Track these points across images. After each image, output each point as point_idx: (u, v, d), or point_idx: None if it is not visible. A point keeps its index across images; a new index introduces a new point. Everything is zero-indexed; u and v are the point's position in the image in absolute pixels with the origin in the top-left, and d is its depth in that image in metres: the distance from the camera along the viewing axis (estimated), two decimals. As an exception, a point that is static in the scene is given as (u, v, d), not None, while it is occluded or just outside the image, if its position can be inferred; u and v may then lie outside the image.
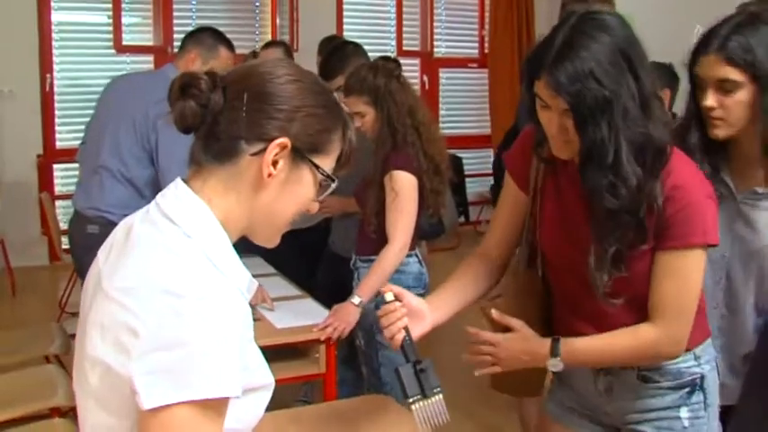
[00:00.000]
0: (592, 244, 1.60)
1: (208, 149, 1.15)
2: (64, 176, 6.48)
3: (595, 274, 1.61)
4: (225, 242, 1.13)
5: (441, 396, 1.63)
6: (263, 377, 1.17)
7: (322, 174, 1.19)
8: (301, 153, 1.16)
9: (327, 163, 1.20)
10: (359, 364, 3.08)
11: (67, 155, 5.78)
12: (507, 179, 1.85)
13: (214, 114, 1.13)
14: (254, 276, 1.20)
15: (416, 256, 2.92)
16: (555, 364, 1.70)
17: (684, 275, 1.61)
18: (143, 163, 2.98)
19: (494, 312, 1.74)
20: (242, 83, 1.15)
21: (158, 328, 1.01)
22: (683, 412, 1.74)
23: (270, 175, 1.14)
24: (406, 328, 1.67)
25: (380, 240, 2.80)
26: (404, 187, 2.73)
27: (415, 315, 1.72)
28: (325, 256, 3.53)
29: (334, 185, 1.22)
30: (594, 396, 1.77)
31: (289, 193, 1.17)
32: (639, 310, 1.66)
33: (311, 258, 3.58)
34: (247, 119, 1.12)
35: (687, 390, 1.74)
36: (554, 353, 1.69)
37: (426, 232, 3.07)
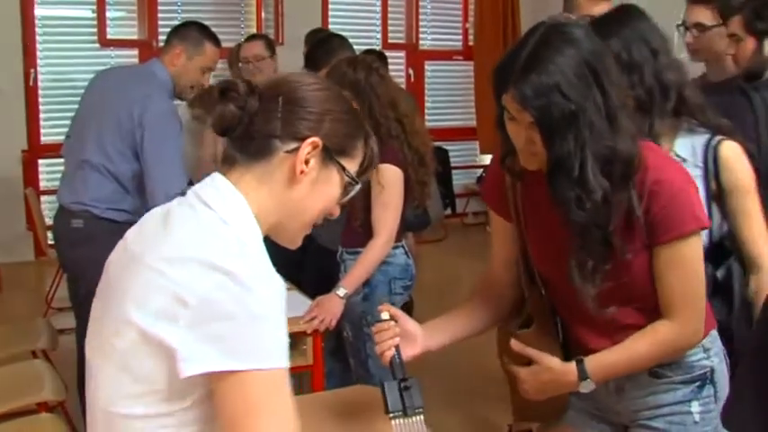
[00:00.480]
0: (569, 258, 1.61)
1: (243, 148, 1.24)
2: (49, 172, 6.44)
3: (581, 288, 1.62)
4: (257, 232, 1.21)
5: (422, 417, 1.64)
6: None
7: (348, 176, 1.28)
8: (330, 153, 1.25)
9: (352, 167, 1.29)
10: (346, 355, 3.09)
11: (52, 150, 5.75)
12: (490, 213, 1.87)
13: (250, 116, 1.22)
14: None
15: (403, 247, 2.93)
16: (586, 386, 1.70)
17: (687, 264, 1.63)
18: (127, 158, 2.97)
19: (513, 344, 1.74)
20: (275, 89, 1.25)
21: (210, 301, 1.08)
22: (695, 406, 1.74)
23: (302, 172, 1.22)
24: (397, 347, 1.70)
25: (367, 233, 2.81)
26: (390, 180, 2.74)
27: (408, 337, 1.74)
28: (311, 249, 3.49)
29: (357, 188, 1.31)
30: (605, 396, 1.77)
31: (318, 191, 1.25)
32: (647, 310, 1.68)
33: (297, 251, 3.55)
34: (282, 119, 1.21)
35: (698, 384, 1.74)
36: (583, 376, 1.69)
37: (412, 223, 3.09)
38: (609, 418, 1.86)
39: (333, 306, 2.80)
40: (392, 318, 1.73)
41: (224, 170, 1.27)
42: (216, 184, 1.23)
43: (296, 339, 2.82)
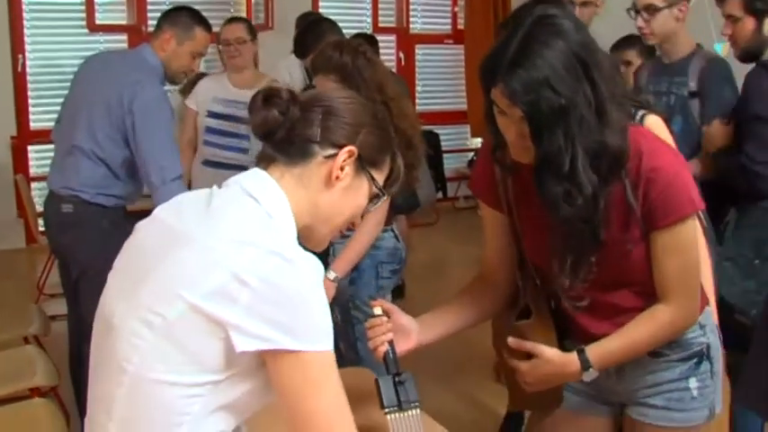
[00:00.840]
0: (550, 253, 1.62)
1: (283, 150, 1.32)
2: (39, 158, 6.42)
3: (559, 279, 1.64)
4: (294, 230, 1.28)
5: (418, 411, 1.66)
6: None
7: (376, 186, 1.38)
8: (363, 163, 1.34)
9: (380, 179, 1.39)
10: (336, 339, 3.09)
11: (42, 136, 5.72)
12: (481, 205, 1.86)
13: (292, 122, 1.31)
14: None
15: (392, 231, 2.93)
16: (589, 375, 1.71)
17: (685, 248, 1.64)
18: (117, 144, 2.97)
19: (511, 341, 1.74)
20: (314, 101, 1.35)
21: (270, 283, 1.15)
22: (692, 382, 1.77)
23: (337, 177, 1.31)
24: (391, 342, 1.69)
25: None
26: (377, 163, 2.73)
27: (402, 332, 1.74)
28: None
29: (383, 199, 1.41)
30: (604, 378, 1.77)
31: (348, 198, 1.34)
32: (645, 294, 1.69)
33: None
34: (322, 127, 1.31)
35: (695, 360, 1.77)
36: (585, 366, 1.70)
37: (401, 207, 3.08)
38: (607, 398, 1.88)
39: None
40: (385, 312, 1.73)
41: (262, 167, 1.35)
42: (260, 179, 1.30)
43: None
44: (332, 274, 2.79)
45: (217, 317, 1.16)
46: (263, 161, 1.36)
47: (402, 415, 1.65)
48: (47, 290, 5.03)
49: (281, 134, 1.32)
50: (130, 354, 1.21)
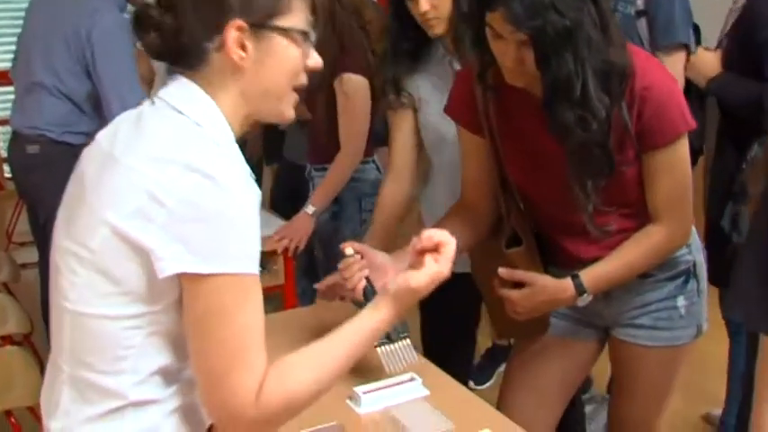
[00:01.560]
0: (570, 182, 1.60)
1: (182, 63, 1.21)
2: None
3: (583, 210, 1.63)
4: (230, 134, 1.20)
5: (408, 341, 1.66)
6: None
7: (293, 32, 1.21)
8: (261, 24, 1.18)
9: (296, 20, 1.21)
10: (319, 274, 3.08)
11: (1, 78, 5.57)
12: (459, 129, 1.84)
13: (172, 33, 1.19)
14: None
15: (374, 162, 2.90)
16: (584, 300, 1.72)
17: (677, 167, 1.64)
18: (79, 77, 2.87)
19: (501, 271, 1.73)
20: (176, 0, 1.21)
21: (188, 202, 1.09)
22: (680, 301, 1.79)
23: (242, 58, 1.18)
24: (368, 278, 1.69)
25: (334, 147, 2.76)
26: (355, 90, 2.67)
27: (378, 269, 1.72)
28: (281, 165, 3.49)
29: (313, 37, 1.24)
30: (592, 302, 1.78)
31: (270, 66, 1.20)
32: (636, 215, 1.69)
33: (257, 170, 3.47)
34: (197, 19, 1.18)
35: (682, 279, 1.79)
36: (580, 291, 1.70)
37: (381, 137, 3.04)
38: (593, 321, 1.89)
39: (302, 225, 2.78)
40: (357, 253, 1.72)
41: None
42: (182, 88, 1.21)
43: (266, 259, 2.84)
44: (310, 209, 2.78)
45: (136, 240, 1.11)
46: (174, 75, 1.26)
47: (393, 347, 1.65)
48: (16, 238, 4.97)
49: (168, 50, 1.21)
50: (68, 290, 1.19)
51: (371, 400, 1.66)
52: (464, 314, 2.43)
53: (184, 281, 1.11)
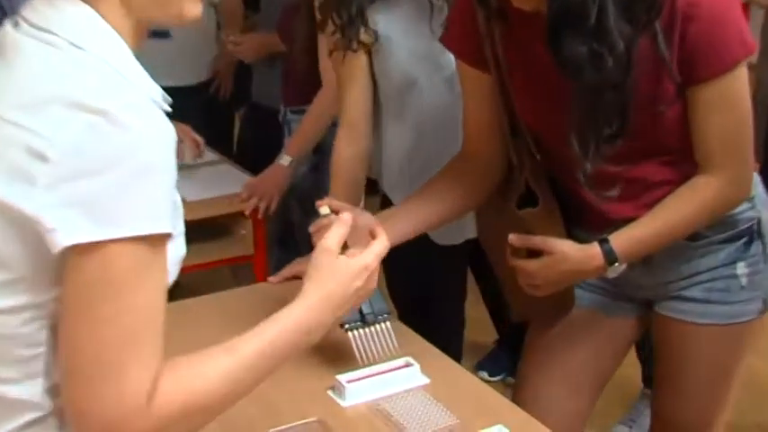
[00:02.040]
0: (571, 131, 1.60)
1: None
2: None
3: (579, 168, 1.61)
4: (125, 51, 1.14)
5: (389, 324, 1.67)
6: (181, 217, 1.20)
7: None
8: None
9: None
10: (297, 242, 3.10)
11: None
12: (458, 65, 1.85)
13: None
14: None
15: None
16: (615, 271, 1.70)
17: (734, 102, 1.62)
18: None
19: (512, 238, 1.73)
20: None
21: (76, 151, 1.03)
22: (741, 268, 1.78)
23: None
24: (345, 245, 1.67)
25: (313, 85, 2.78)
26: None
27: (360, 234, 1.67)
28: (247, 110, 3.52)
29: None
30: (627, 270, 1.76)
31: None
32: (680, 162, 1.68)
33: (223, 116, 3.62)
34: None
35: (744, 240, 1.77)
36: (610, 260, 1.68)
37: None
38: (630, 294, 1.88)
39: (275, 179, 2.81)
40: (335, 212, 1.72)
41: None
42: (52, 3, 1.13)
43: (231, 224, 2.89)
44: (285, 159, 2.80)
45: (18, 210, 1.05)
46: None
47: (367, 331, 1.67)
48: None
49: None
50: None
51: (358, 390, 1.64)
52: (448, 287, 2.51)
53: (73, 253, 1.04)
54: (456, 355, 1.99)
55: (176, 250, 1.17)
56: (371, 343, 1.67)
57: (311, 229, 1.75)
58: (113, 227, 1.03)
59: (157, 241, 1.07)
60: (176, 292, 1.26)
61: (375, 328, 1.67)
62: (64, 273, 1.06)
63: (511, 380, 3.03)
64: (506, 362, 3.22)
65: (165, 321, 1.10)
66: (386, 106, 2.25)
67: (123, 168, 1.03)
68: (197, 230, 2.66)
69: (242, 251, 2.87)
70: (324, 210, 1.74)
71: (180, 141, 2.86)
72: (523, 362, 2.00)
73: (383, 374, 1.68)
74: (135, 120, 1.04)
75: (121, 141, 1.03)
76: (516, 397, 1.94)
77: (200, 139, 3.01)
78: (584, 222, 1.79)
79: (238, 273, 3.42)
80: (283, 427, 1.55)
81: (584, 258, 1.70)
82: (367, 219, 1.76)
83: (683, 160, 1.67)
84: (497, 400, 1.69)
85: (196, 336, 1.27)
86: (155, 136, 1.06)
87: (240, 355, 1.16)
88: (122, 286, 1.05)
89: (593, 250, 1.69)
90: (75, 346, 1.06)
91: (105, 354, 1.05)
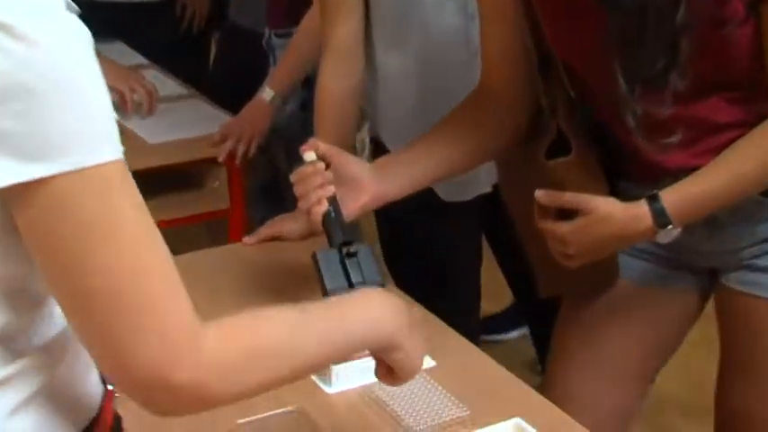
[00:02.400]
0: (613, 63, 1.60)
1: None
2: None
3: (624, 113, 1.63)
4: None
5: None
6: None
7: None
8: None
9: None
10: (283, 195, 3.09)
11: None
12: None
13: None
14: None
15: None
16: (666, 235, 1.68)
17: None
18: None
19: (540, 194, 1.71)
20: None
21: None
22: None
23: None
24: (333, 198, 1.71)
25: (303, 2, 2.75)
26: None
27: (351, 184, 1.74)
28: (224, 33, 3.54)
29: None
30: (685, 233, 1.73)
31: None
32: (747, 101, 1.68)
33: (194, 40, 3.62)
34: None
35: None
36: (661, 221, 1.66)
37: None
38: (689, 262, 1.89)
39: (256, 117, 2.83)
40: (323, 158, 1.74)
41: None
42: None
43: (203, 172, 2.91)
44: (268, 93, 2.81)
45: None
46: None
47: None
48: None
49: None
50: None
51: (346, 374, 1.64)
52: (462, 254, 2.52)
53: (15, 203, 1.07)
54: (470, 334, 1.98)
55: None
56: None
57: (292, 178, 1.75)
58: (45, 161, 1.03)
59: (115, 168, 1.07)
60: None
61: None
62: (23, 232, 1.08)
63: (527, 333, 3.07)
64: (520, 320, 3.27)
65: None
66: (381, 32, 2.22)
67: (36, 91, 1.03)
68: (160, 180, 2.73)
69: (215, 205, 2.88)
70: (309, 155, 1.74)
71: (131, 91, 2.93)
72: (554, 349, 2.00)
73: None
74: (43, 30, 1.04)
75: (32, 60, 1.03)
76: (545, 386, 1.95)
77: (154, 88, 3.01)
78: (629, 173, 1.80)
79: (214, 229, 3.42)
80: (254, 417, 1.54)
81: (628, 219, 1.68)
82: (358, 166, 1.78)
83: (755, 97, 1.67)
84: (516, 386, 1.69)
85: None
86: (68, 46, 1.06)
87: (309, 312, 1.22)
88: (98, 228, 1.06)
89: (640, 209, 1.66)
90: (84, 306, 1.09)
91: (124, 299, 1.07)
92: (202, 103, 3.14)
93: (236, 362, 1.13)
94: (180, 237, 3.12)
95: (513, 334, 3.45)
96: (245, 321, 1.16)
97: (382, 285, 1.67)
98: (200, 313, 1.12)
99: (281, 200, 3.11)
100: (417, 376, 1.59)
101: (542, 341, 2.33)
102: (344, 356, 1.27)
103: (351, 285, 1.66)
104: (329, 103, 2.24)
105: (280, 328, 1.19)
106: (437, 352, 1.71)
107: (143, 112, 2.98)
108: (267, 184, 3.20)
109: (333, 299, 1.26)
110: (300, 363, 1.21)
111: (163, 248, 1.09)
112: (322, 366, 1.26)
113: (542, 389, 1.93)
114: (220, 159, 2.81)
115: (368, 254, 1.69)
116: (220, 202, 2.87)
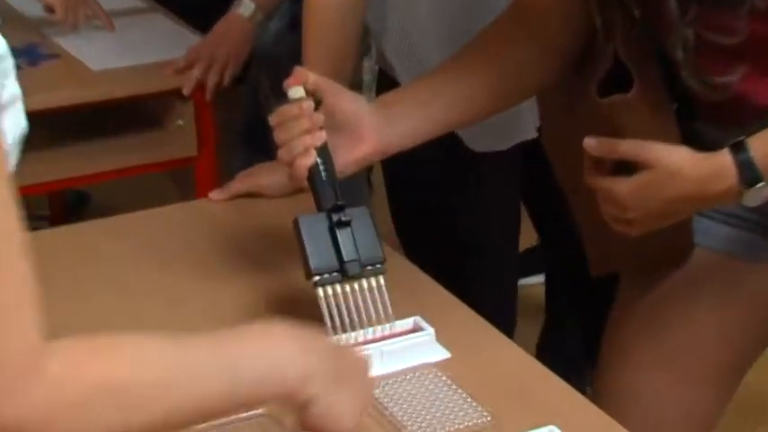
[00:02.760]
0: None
1: None
2: None
3: (675, 42, 1.64)
4: None
5: (381, 278, 1.68)
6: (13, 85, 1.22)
7: None
8: None
9: None
10: (269, 138, 3.07)
11: None
12: None
13: None
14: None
15: None
16: (753, 196, 1.64)
17: None
18: None
19: (590, 143, 1.69)
20: None
21: None
22: None
23: None
24: (323, 148, 1.70)
25: None
26: None
27: (348, 129, 1.74)
28: None
29: None
30: None
31: None
32: None
33: None
34: None
35: None
36: (749, 177, 1.62)
37: None
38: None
39: (231, 39, 2.86)
40: (311, 95, 1.72)
41: None
42: None
43: (165, 108, 2.89)
44: (247, 8, 2.87)
45: None
46: None
47: (347, 288, 1.67)
48: None
49: None
50: None
51: None
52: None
53: None
54: (503, 322, 1.95)
55: (10, 126, 1.17)
56: (352, 308, 1.66)
57: (272, 120, 1.74)
58: None
59: None
60: (85, 209, 1.25)
61: (360, 285, 1.67)
62: None
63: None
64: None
65: (56, 252, 1.19)
66: None
67: None
68: (110, 117, 2.79)
69: (179, 151, 2.85)
70: (294, 91, 1.72)
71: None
72: (608, 339, 1.98)
73: (377, 343, 1.68)
74: None
75: None
76: (598, 389, 1.97)
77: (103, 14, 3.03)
78: (709, 115, 1.76)
79: (180, 180, 3.47)
80: (218, 422, 1.50)
81: (706, 175, 1.65)
82: (355, 105, 1.76)
83: None
84: (555, 387, 1.66)
85: (96, 274, 1.33)
86: None
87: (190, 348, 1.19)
88: None
89: (722, 161, 1.63)
90: None
91: None
92: (163, 19, 3.15)
93: (85, 398, 1.07)
94: (135, 190, 3.16)
95: (529, 280, 3.50)
96: (104, 344, 1.10)
97: (381, 269, 1.67)
98: (139, 297, 1.08)
99: (267, 145, 3.08)
100: (426, 371, 1.64)
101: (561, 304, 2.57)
102: (231, 407, 1.24)
103: (342, 266, 1.65)
104: (322, 17, 2.22)
105: (150, 358, 1.14)
106: (452, 340, 1.71)
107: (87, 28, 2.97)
108: (250, 125, 3.21)
109: (225, 332, 1.21)
110: (175, 407, 1.15)
111: (14, 236, 1.03)
112: (204, 417, 1.20)
113: (593, 386, 2.01)
114: (186, 92, 2.79)
115: (366, 223, 1.69)
116: (186, 147, 2.85)
